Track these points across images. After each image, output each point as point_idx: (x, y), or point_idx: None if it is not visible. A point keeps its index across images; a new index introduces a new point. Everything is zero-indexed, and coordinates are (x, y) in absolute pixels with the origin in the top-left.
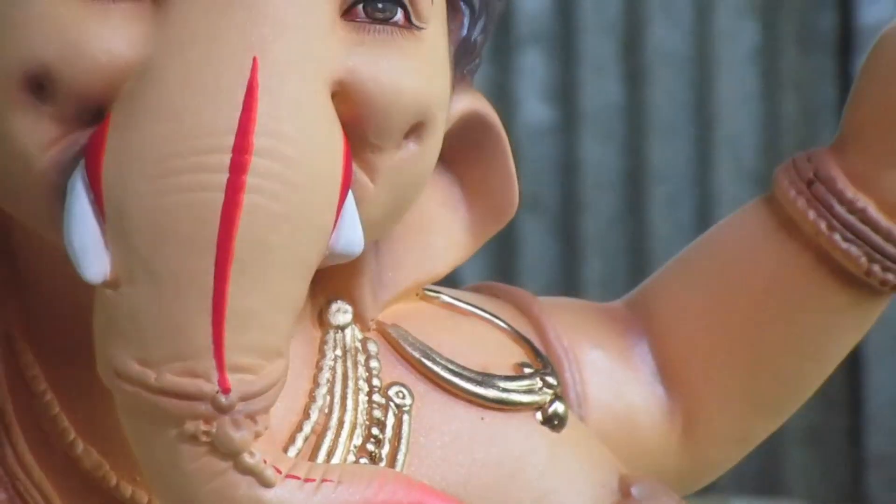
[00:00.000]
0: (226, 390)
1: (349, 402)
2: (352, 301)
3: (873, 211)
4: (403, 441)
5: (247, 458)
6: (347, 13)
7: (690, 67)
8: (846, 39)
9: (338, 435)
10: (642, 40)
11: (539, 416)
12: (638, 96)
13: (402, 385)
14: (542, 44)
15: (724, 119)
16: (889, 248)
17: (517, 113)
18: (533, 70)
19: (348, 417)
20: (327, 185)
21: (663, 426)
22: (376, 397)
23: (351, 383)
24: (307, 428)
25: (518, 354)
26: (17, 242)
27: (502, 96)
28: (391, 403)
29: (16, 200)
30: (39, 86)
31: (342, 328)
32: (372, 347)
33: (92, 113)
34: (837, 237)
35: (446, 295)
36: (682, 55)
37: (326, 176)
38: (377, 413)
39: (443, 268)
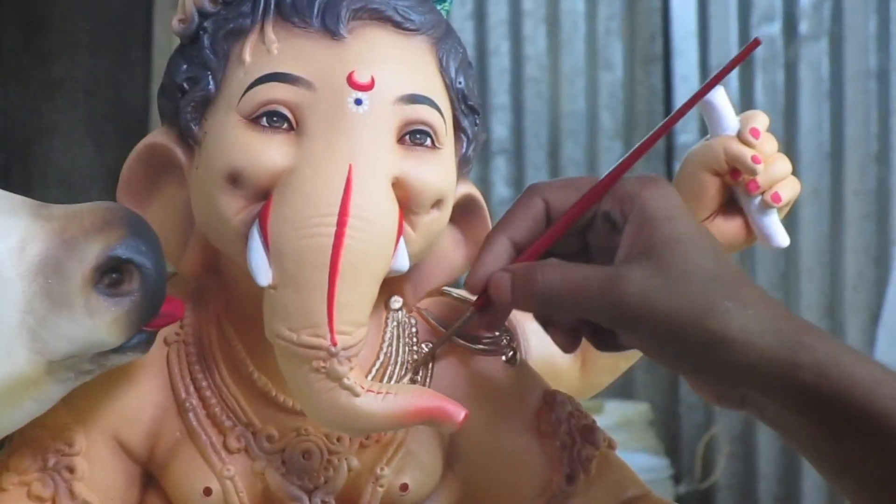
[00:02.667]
0: (334, 344)
1: (400, 351)
2: (402, 295)
3: None
4: (430, 374)
5: (345, 380)
6: (400, 140)
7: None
8: (669, 151)
9: (394, 369)
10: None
11: (504, 358)
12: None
13: (429, 342)
14: (506, 154)
15: None
16: None
17: (492, 193)
18: (499, 167)
19: (399, 360)
20: (389, 234)
21: (571, 365)
22: (415, 349)
23: (401, 341)
24: (378, 365)
25: None
26: (222, 264)
27: (483, 182)
28: (424, 351)
29: (222, 241)
30: (234, 180)
31: (397, 311)
32: (413, 321)
33: (262, 194)
34: None
35: (454, 292)
36: None
37: (388, 229)
38: (416, 357)
39: (451, 278)
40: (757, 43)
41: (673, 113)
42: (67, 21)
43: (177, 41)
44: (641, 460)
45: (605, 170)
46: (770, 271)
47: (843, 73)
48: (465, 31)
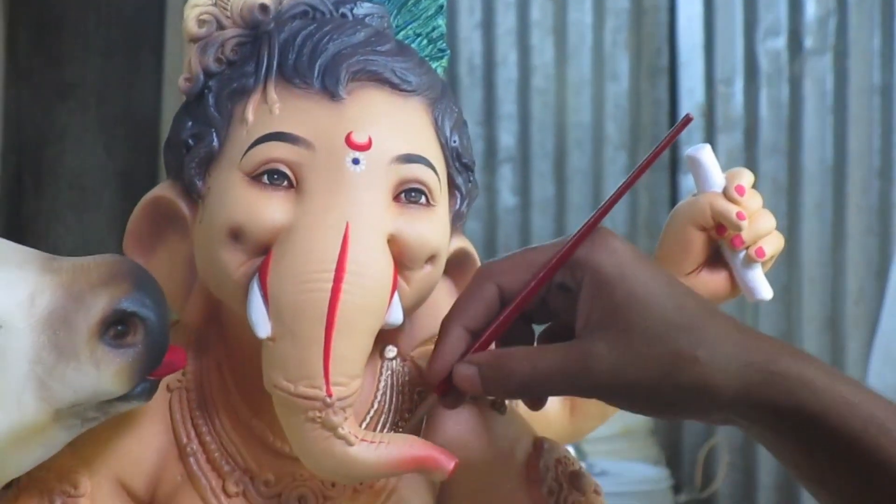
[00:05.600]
0: (329, 395)
1: (394, 399)
2: (396, 345)
3: None
4: (424, 423)
5: (340, 430)
6: (396, 198)
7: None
8: (674, 164)
9: (388, 416)
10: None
11: (492, 407)
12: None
13: (422, 390)
14: (512, 162)
15: None
16: None
17: (498, 201)
18: (505, 176)
19: (394, 407)
20: (384, 289)
21: (559, 412)
22: (409, 396)
23: (395, 389)
24: (372, 413)
25: None
26: (223, 314)
27: (489, 190)
28: (416, 400)
29: (223, 292)
30: (236, 235)
31: (391, 360)
32: (406, 369)
33: (263, 249)
34: None
35: None
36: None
37: (383, 284)
38: (408, 405)
39: None
40: (689, 119)
41: (625, 181)
42: (80, 25)
43: (187, 46)
44: (642, 469)
45: (610, 179)
46: (772, 283)
47: (847, 88)
48: (474, 40)
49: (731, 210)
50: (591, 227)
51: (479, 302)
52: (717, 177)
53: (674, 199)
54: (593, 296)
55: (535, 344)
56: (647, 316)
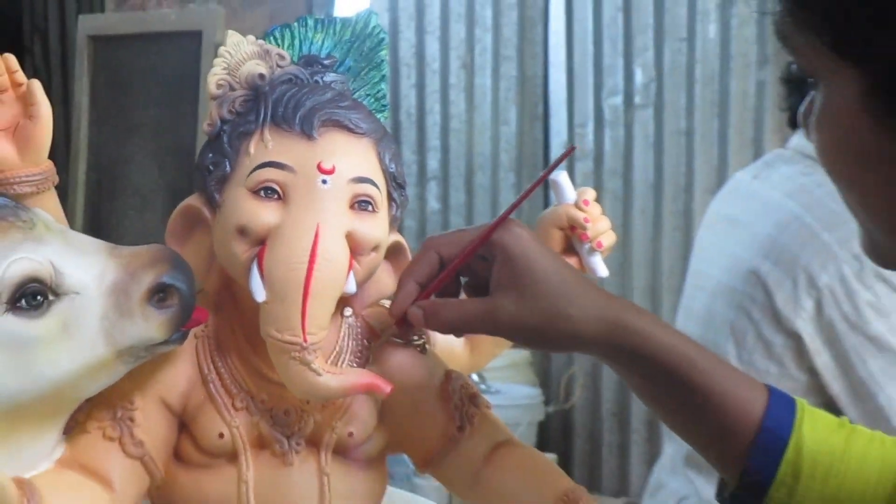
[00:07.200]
0: (305, 341)
1: (350, 344)
2: (352, 307)
3: None
4: (371, 359)
5: (312, 365)
6: (352, 206)
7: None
8: (546, 184)
9: (346, 356)
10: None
11: (418, 349)
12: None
13: (368, 339)
14: (436, 179)
15: None
16: None
17: (426, 207)
18: (432, 189)
19: (350, 349)
20: (343, 269)
21: (463, 351)
22: (359, 342)
23: (350, 337)
24: (334, 353)
25: None
26: (234, 285)
27: (420, 199)
28: (365, 345)
29: (233, 270)
30: (241, 232)
31: (348, 317)
32: (358, 324)
33: (260, 241)
34: None
35: (385, 303)
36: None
37: (342, 266)
38: (360, 348)
39: (384, 295)
40: (572, 149)
41: (525, 191)
42: (142, 84)
43: (210, 102)
44: (523, 390)
45: (504, 193)
46: (609, 265)
47: (663, 131)
48: (410, 96)
49: (580, 216)
50: (504, 219)
51: (426, 264)
52: (570, 193)
53: (546, 205)
54: (502, 266)
55: (462, 296)
56: (537, 281)
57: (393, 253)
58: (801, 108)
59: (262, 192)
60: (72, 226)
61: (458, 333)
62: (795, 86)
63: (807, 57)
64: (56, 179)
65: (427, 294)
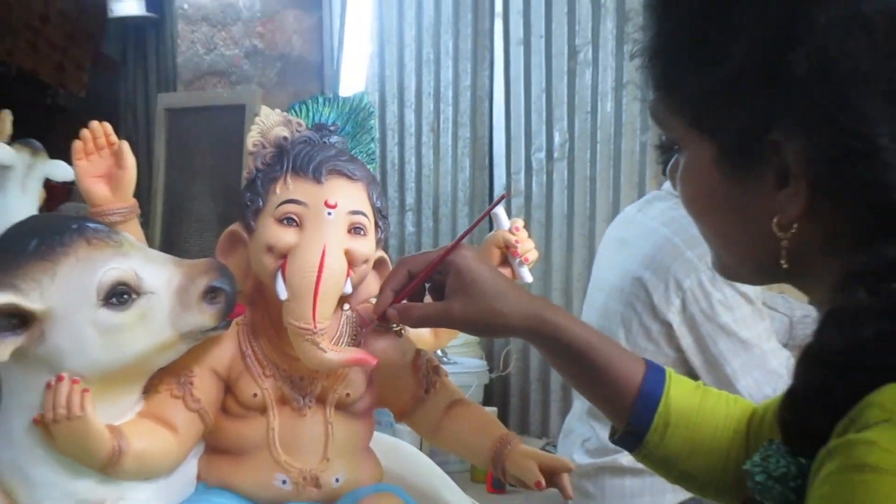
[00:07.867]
0: (315, 328)
1: (347, 330)
2: (349, 303)
3: None
4: (361, 343)
5: (320, 345)
6: (349, 231)
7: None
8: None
9: (344, 339)
10: (440, 212)
11: (396, 334)
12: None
13: (361, 327)
14: (412, 211)
15: None
16: None
17: (405, 231)
18: (410, 218)
19: (347, 334)
20: (342, 277)
21: (429, 337)
22: (354, 329)
23: (348, 325)
24: (335, 337)
25: None
26: (264, 288)
27: (400, 225)
28: (358, 330)
29: (264, 278)
30: (269, 249)
31: (346, 311)
32: (353, 315)
33: (282, 256)
34: None
35: (373, 300)
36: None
37: (342, 275)
38: (354, 333)
39: (371, 295)
40: (506, 195)
41: (474, 221)
42: (200, 141)
43: (248, 156)
44: (473, 361)
45: (461, 221)
46: (534, 274)
47: (574, 178)
48: (394, 151)
49: (512, 238)
50: (456, 244)
51: (399, 277)
52: (506, 222)
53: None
54: (454, 278)
55: (427, 299)
56: (480, 289)
57: (378, 265)
58: (670, 166)
59: (284, 221)
60: (151, 245)
61: (423, 327)
62: (666, 149)
63: (674, 130)
64: (139, 212)
65: (400, 299)
